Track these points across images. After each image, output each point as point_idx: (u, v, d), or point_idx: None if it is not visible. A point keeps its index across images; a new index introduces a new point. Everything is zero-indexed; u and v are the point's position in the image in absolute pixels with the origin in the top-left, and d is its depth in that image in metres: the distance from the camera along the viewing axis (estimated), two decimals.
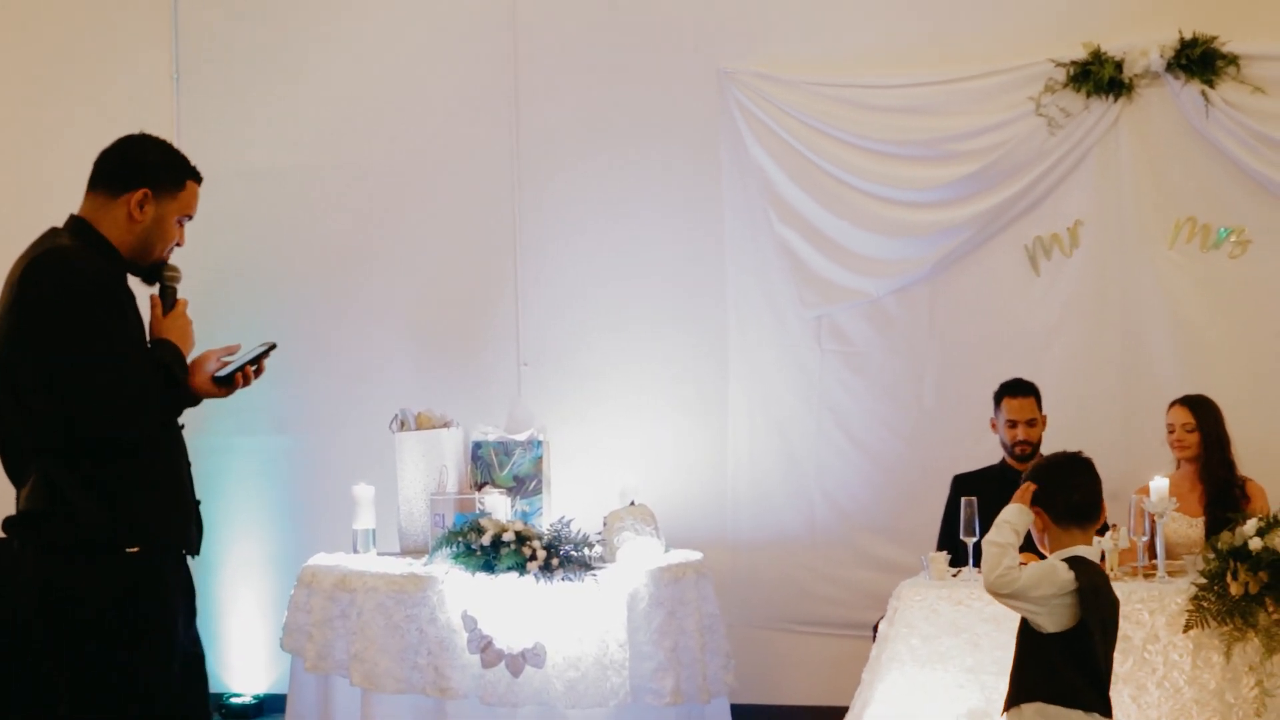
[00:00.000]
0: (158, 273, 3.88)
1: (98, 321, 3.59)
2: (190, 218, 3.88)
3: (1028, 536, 4.14)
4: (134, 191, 3.75)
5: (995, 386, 6.39)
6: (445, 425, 6.58)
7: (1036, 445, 6.29)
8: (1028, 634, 4.07)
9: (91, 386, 3.55)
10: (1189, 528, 6.02)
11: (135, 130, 3.90)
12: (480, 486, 6.50)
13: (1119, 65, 6.60)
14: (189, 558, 3.85)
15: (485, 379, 7.38)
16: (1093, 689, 3.98)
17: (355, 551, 6.28)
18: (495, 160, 7.43)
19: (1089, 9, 6.75)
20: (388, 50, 7.57)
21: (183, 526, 3.80)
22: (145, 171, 3.77)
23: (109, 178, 3.78)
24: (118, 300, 3.67)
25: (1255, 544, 5.14)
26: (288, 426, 7.61)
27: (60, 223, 3.80)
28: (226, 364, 3.84)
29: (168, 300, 3.90)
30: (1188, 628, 5.16)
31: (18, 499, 3.69)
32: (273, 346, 3.91)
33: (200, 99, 7.70)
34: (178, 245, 3.88)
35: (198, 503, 3.90)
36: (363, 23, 7.59)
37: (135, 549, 3.64)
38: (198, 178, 3.89)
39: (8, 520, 3.70)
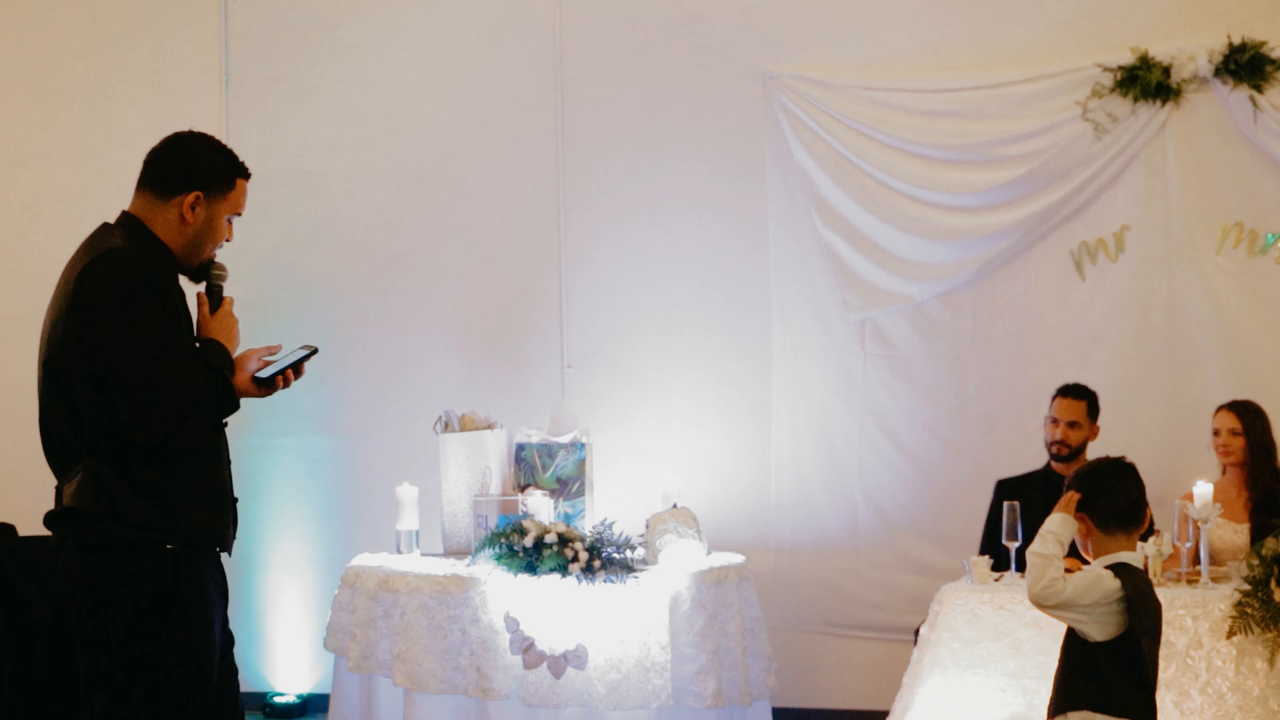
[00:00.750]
0: (205, 271, 3.90)
1: (151, 326, 3.62)
2: (239, 215, 3.90)
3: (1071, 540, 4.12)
4: (186, 194, 3.77)
5: (1038, 391, 6.38)
6: (489, 427, 6.59)
7: (1075, 449, 6.25)
8: (1074, 641, 4.04)
9: (144, 391, 3.58)
10: (1233, 534, 5.98)
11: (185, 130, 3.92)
12: (523, 488, 6.51)
13: (1167, 70, 6.56)
14: (223, 555, 3.88)
15: (529, 381, 7.40)
16: (1140, 697, 3.96)
17: (398, 552, 6.29)
18: (540, 163, 7.45)
19: (1137, 13, 6.71)
20: (434, 54, 7.60)
21: (221, 525, 3.83)
22: (197, 174, 3.78)
23: (161, 178, 3.79)
24: (170, 302, 3.69)
25: None
26: (332, 427, 7.64)
27: (111, 219, 3.83)
28: (268, 364, 3.86)
29: (214, 299, 3.92)
30: (1231, 634, 5.13)
31: (60, 494, 3.71)
32: (314, 351, 3.91)
33: (248, 101, 7.75)
34: (226, 241, 3.90)
35: (235, 500, 3.93)
36: (409, 27, 7.62)
37: (173, 546, 3.66)
38: (247, 175, 3.90)
39: (50, 515, 3.73)
